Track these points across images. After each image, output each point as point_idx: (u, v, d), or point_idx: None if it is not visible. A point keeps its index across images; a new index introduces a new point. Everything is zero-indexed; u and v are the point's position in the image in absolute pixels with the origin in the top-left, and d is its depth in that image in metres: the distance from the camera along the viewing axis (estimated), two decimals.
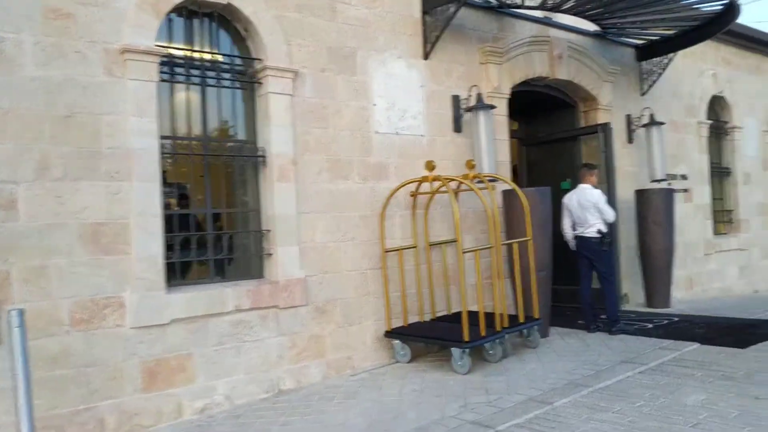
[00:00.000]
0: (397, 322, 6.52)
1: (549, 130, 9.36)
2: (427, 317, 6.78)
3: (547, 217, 6.89)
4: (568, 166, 9.12)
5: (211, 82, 5.76)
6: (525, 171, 9.63)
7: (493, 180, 6.86)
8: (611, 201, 8.41)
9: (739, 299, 9.68)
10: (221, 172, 5.87)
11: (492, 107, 7.04)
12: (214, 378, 5.36)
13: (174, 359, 5.18)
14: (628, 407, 4.52)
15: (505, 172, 7.70)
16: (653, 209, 8.58)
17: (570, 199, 7.26)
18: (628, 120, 9.38)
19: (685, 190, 10.30)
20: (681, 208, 10.15)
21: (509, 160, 7.81)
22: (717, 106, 11.43)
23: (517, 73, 7.85)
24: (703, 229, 10.56)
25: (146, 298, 5.02)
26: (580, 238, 7.16)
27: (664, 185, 9.31)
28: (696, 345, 6.15)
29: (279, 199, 5.82)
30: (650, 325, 7.21)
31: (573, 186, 8.82)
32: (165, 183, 5.35)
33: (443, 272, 6.94)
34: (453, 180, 6.29)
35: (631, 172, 9.40)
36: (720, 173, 11.43)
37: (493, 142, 7.02)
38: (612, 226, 8.27)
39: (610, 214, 7.04)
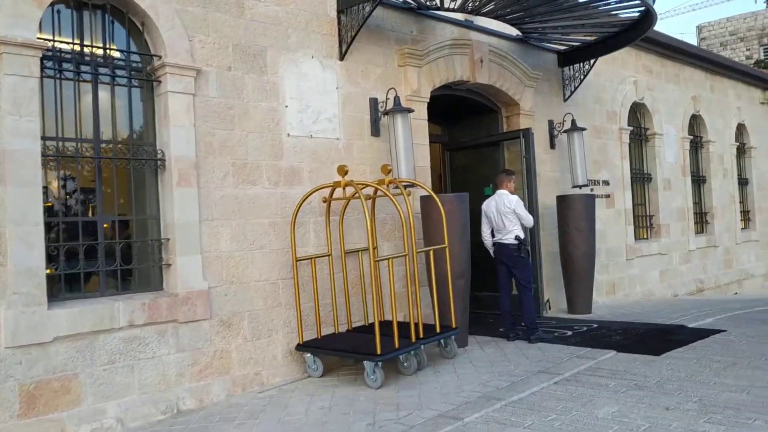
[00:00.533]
0: (310, 334, 6.22)
1: (473, 135, 9.25)
2: (343, 328, 6.50)
3: (465, 224, 6.72)
4: (492, 171, 8.99)
5: (104, 79, 5.35)
6: (449, 176, 9.48)
7: (410, 186, 6.65)
8: (532, 207, 8.36)
9: (659, 303, 9.78)
10: (116, 177, 5.44)
11: (410, 110, 6.84)
12: (103, 400, 4.94)
13: (57, 380, 4.74)
14: (540, 422, 4.35)
15: (425, 177, 7.52)
16: (574, 215, 8.55)
17: (488, 206, 7.13)
18: (551, 125, 9.37)
19: (607, 196, 10.38)
20: (603, 214, 10.21)
21: (429, 165, 7.63)
22: (638, 112, 11.61)
23: (438, 77, 7.68)
24: (625, 234, 10.66)
25: (24, 315, 4.57)
26: (498, 245, 7.03)
27: (585, 191, 9.33)
28: (612, 353, 6.08)
29: (179, 205, 5.44)
30: (570, 333, 7.14)
31: (494, 192, 8.75)
32: (49, 188, 4.92)
33: (360, 281, 6.67)
34: (366, 185, 6.04)
35: (553, 177, 9.37)
36: (641, 179, 11.59)
37: (411, 146, 6.81)
38: (532, 232, 8.23)
39: (528, 220, 6.94)
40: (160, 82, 5.49)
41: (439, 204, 6.25)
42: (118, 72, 5.41)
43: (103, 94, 5.38)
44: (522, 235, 6.92)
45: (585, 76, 9.43)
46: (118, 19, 5.47)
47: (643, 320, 7.84)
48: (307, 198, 6.09)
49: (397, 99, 6.79)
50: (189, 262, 5.47)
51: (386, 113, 6.86)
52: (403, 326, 5.85)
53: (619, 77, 10.86)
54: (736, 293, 13.49)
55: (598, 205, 10.04)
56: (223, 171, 5.77)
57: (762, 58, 33.88)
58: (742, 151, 14.81)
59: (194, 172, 5.54)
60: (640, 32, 8.43)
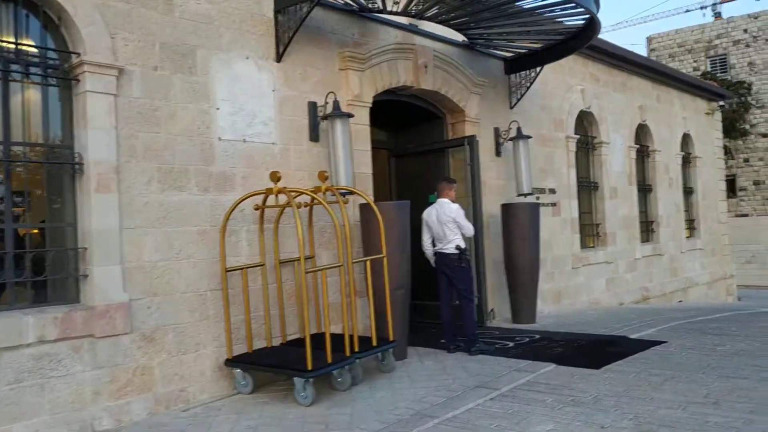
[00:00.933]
0: (241, 349, 5.93)
1: (419, 142, 9.08)
2: (278, 341, 6.23)
3: (405, 233, 6.53)
4: (437, 178, 8.82)
5: (16, 76, 4.99)
6: (395, 183, 9.30)
7: (348, 193, 6.43)
8: (477, 215, 8.23)
9: (603, 313, 9.77)
10: (29, 182, 5.09)
11: (349, 115, 6.62)
12: (9, 421, 4.58)
13: None
14: None
15: (367, 184, 7.31)
16: (518, 224, 8.45)
17: (429, 215, 6.95)
18: (497, 133, 9.27)
19: (554, 204, 10.34)
20: (549, 222, 10.17)
21: (372, 171, 7.42)
22: (585, 121, 11.63)
23: (380, 81, 7.49)
24: (571, 242, 10.64)
25: None
26: (439, 255, 6.86)
27: (531, 199, 9.25)
28: (552, 366, 5.95)
29: (97, 212, 5.10)
30: (511, 344, 7.00)
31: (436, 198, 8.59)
32: None
33: (296, 292, 6.41)
34: (300, 193, 5.80)
35: (499, 185, 9.27)
36: (588, 187, 11.61)
37: (350, 152, 6.59)
38: (476, 241, 8.11)
39: (469, 229, 6.78)
40: (78, 81, 5.15)
41: (377, 212, 6.04)
42: (32, 69, 5.06)
43: (16, 93, 5.03)
44: (463, 245, 6.76)
45: (531, 84, 9.37)
46: (33, 12, 5.12)
47: (586, 331, 7.77)
48: (237, 205, 5.81)
49: (336, 103, 6.56)
50: (108, 273, 5.13)
51: (325, 118, 6.63)
52: (338, 340, 5.62)
53: (567, 85, 10.85)
54: (680, 301, 13.65)
55: (545, 214, 10.00)
56: (148, 176, 5.45)
57: (709, 69, 34.80)
58: (687, 160, 15.03)
59: (115, 177, 5.21)
60: (585, 40, 8.39)
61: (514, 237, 8.48)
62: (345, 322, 5.69)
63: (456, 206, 6.81)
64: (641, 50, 41.42)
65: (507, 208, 8.61)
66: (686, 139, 14.87)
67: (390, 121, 9.22)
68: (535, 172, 9.86)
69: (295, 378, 5.25)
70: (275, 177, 5.67)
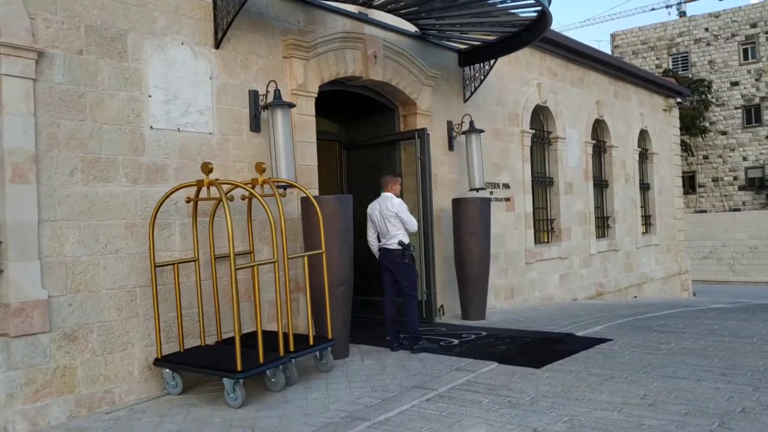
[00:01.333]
0: (173, 347, 5.69)
1: (372, 134, 8.88)
2: (212, 339, 5.99)
3: (347, 227, 6.33)
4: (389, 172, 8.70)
5: None
6: (346, 176, 9.09)
7: (287, 186, 6.21)
8: (426, 210, 8.08)
9: (555, 309, 9.72)
10: None
11: (291, 105, 6.39)
12: None
13: None
14: None
15: (312, 177, 7.10)
16: (469, 219, 8.32)
17: (373, 209, 6.76)
18: (449, 126, 9.12)
19: (507, 199, 10.24)
20: (503, 217, 10.08)
21: (317, 164, 7.21)
22: (541, 115, 11.56)
23: (327, 71, 7.26)
24: (525, 238, 10.57)
25: None
26: (383, 250, 6.68)
27: (484, 194, 9.14)
28: (494, 365, 5.83)
29: (12, 203, 4.80)
30: (456, 342, 6.87)
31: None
32: None
33: (233, 288, 6.16)
34: (235, 186, 5.56)
35: (452, 179, 9.14)
36: (544, 182, 11.55)
37: (291, 143, 6.36)
38: (425, 236, 7.97)
39: (412, 225, 6.60)
40: None
41: (317, 207, 5.83)
42: None
43: None
44: (406, 240, 6.59)
45: (485, 77, 9.23)
46: None
47: (533, 327, 7.68)
48: (167, 197, 5.54)
49: (277, 92, 6.33)
50: (24, 268, 4.84)
51: (265, 107, 6.39)
52: (274, 338, 5.41)
53: (523, 79, 10.75)
54: (635, 297, 13.72)
55: (498, 209, 9.91)
56: (71, 166, 5.16)
57: (671, 67, 35.26)
58: (644, 156, 15.11)
59: (33, 167, 4.92)
60: (537, 33, 8.26)
61: (464, 232, 8.35)
62: (279, 320, 5.48)
63: (399, 201, 6.64)
64: (606, 47, 41.83)
65: (458, 203, 8.48)
66: (643, 135, 14.95)
67: (341, 112, 9.03)
68: (488, 166, 9.75)
69: (224, 379, 5.03)
70: (206, 169, 5.42)
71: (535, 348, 6.49)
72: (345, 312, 6.31)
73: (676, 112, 16.69)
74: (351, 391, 5.27)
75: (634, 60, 35.48)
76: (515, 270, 10.32)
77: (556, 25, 11.35)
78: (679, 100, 16.51)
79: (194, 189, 5.68)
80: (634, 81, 14.44)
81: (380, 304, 8.08)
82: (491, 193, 9.83)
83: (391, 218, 6.53)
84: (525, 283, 10.54)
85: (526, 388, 5.10)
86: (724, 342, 6.53)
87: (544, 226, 11.54)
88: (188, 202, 5.72)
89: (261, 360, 5.12)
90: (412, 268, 6.62)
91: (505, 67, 10.27)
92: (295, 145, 6.93)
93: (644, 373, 5.38)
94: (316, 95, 7.16)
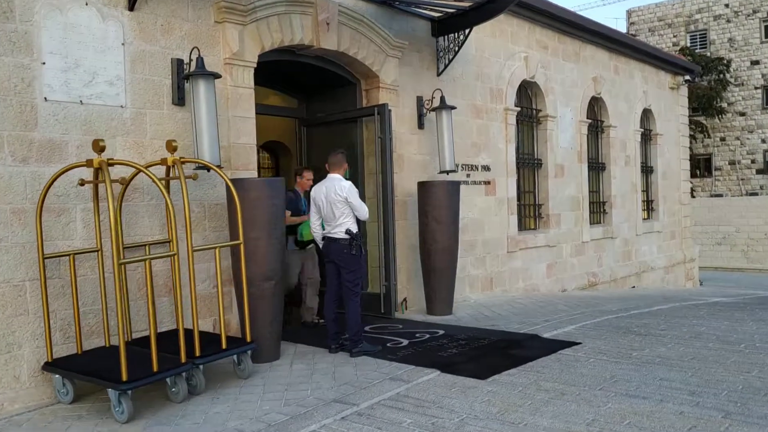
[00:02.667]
0: (72, 348, 5.03)
1: (333, 110, 8.09)
2: (118, 340, 5.32)
3: (278, 214, 5.61)
4: (350, 151, 7.96)
5: None
6: (305, 156, 8.35)
7: (201, 168, 5.49)
8: (386, 194, 7.35)
9: (536, 302, 8.95)
10: None
11: (216, 75, 5.64)
12: None
13: None
14: None
15: (248, 157, 6.38)
16: (434, 204, 7.56)
17: (317, 192, 6.02)
18: (419, 102, 8.32)
19: (487, 182, 9.45)
20: (482, 202, 9.30)
21: (255, 142, 6.47)
22: (530, 92, 10.70)
23: (268, 38, 6.49)
24: (507, 224, 9.78)
25: None
26: (327, 239, 5.95)
27: (460, 177, 8.37)
28: (435, 373, 5.11)
29: None
30: (405, 342, 6.15)
31: (353, 175, 7.71)
32: None
33: (147, 282, 5.48)
34: (133, 166, 4.84)
35: (421, 161, 8.36)
36: (531, 164, 10.72)
37: (215, 119, 5.62)
38: (384, 223, 7.27)
39: (362, 212, 5.86)
40: None
41: (233, 191, 5.11)
42: None
43: None
44: (354, 229, 5.85)
45: (460, 48, 8.40)
46: None
47: (499, 326, 6.94)
48: (56, 179, 4.84)
49: (199, 61, 5.58)
50: None
51: (186, 78, 5.65)
52: (189, 338, 4.72)
53: (508, 52, 9.89)
54: (633, 287, 12.90)
55: (476, 193, 9.14)
56: None
57: (688, 45, 33.86)
58: (647, 137, 14.17)
59: None
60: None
61: (429, 219, 7.59)
62: (179, 319, 4.79)
63: (348, 184, 5.88)
64: (623, 25, 40.40)
65: (423, 187, 7.71)
66: (647, 114, 14.00)
67: (301, 86, 8.26)
68: (466, 146, 8.98)
69: (109, 390, 4.36)
70: (97, 147, 4.70)
71: (489, 353, 5.74)
72: (274, 310, 5.60)
73: (684, 91, 15.66)
74: (261, 404, 4.58)
75: (651, 38, 34.13)
76: (495, 259, 9.55)
77: (570, 3, 10.43)
78: (688, 77, 15.46)
79: (92, 170, 4.98)
80: (638, 56, 13.46)
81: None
82: (468, 176, 9.06)
83: (339, 203, 5.79)
84: (506, 273, 9.77)
85: (459, 405, 4.37)
86: (707, 349, 5.74)
87: (530, 212, 10.74)
88: (81, 185, 5.01)
89: (155, 368, 4.44)
90: (359, 261, 5.87)
91: (487, 38, 9.43)
92: (229, 121, 6.22)
93: (601, 389, 4.62)
94: (255, 65, 6.40)
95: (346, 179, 6.23)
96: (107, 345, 5.19)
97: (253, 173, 6.38)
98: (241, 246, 5.12)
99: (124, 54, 5.49)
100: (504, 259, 9.74)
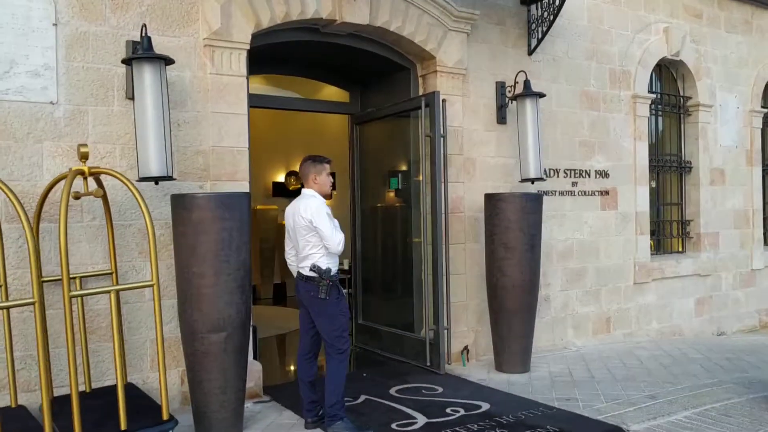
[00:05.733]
0: None
1: (386, 103, 6.47)
2: (27, 398, 4.19)
3: (238, 242, 4.11)
4: (400, 154, 6.32)
5: None
6: (358, 161, 6.82)
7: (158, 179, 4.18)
8: (436, 209, 5.65)
9: (662, 354, 6.61)
10: None
11: (167, 60, 4.31)
12: None
13: None
14: None
15: (237, 164, 5.00)
16: (503, 225, 5.66)
17: (287, 215, 4.43)
18: (500, 90, 6.43)
19: (605, 192, 7.26)
20: (595, 218, 7.16)
21: (247, 146, 5.06)
22: (673, 73, 8.25)
23: (266, 12, 5.05)
24: (635, 246, 7.48)
25: None
26: (298, 276, 4.36)
27: (562, 185, 6.42)
28: None
29: None
30: (421, 422, 4.38)
31: (405, 186, 6.15)
32: None
33: (82, 324, 4.30)
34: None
35: (500, 166, 6.47)
36: (674, 169, 8.27)
37: (166, 116, 4.28)
38: (433, 247, 5.55)
39: (333, 242, 4.13)
40: None
41: (143, 208, 3.72)
42: None
43: None
44: (325, 264, 4.16)
45: (555, 17, 6.36)
46: None
47: (576, 400, 4.90)
48: None
49: (146, 40, 4.27)
50: None
51: (127, 62, 4.38)
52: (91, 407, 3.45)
53: (639, 23, 7.58)
54: None
55: (588, 206, 7.07)
56: None
57: None
58: None
59: None
60: None
61: (497, 244, 5.71)
62: (72, 380, 3.49)
63: (318, 203, 4.21)
64: None
65: (489, 201, 5.84)
66: None
67: (350, 75, 6.76)
68: (571, 146, 6.96)
69: None
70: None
71: None
72: (227, 373, 4.14)
73: None
74: None
75: None
76: (614, 293, 7.32)
77: None
78: None
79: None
80: None
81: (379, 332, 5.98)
82: (574, 184, 6.98)
83: (303, 229, 4.19)
84: (632, 311, 7.49)
85: None
86: None
87: (671, 230, 8.28)
88: None
89: None
90: (336, 307, 4.21)
91: (607, 5, 7.26)
92: (208, 118, 4.88)
93: None
94: (247, 47, 5.00)
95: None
96: (13, 405, 4.07)
97: (243, 185, 4.98)
98: (155, 288, 3.72)
99: (57, 37, 4.35)
100: (629, 293, 7.46)
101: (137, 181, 4.31)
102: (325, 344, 4.24)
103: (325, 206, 4.22)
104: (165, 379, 3.75)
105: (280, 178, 11.66)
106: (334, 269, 4.22)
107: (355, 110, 6.84)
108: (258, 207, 10.41)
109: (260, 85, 6.34)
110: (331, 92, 7.16)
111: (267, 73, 6.37)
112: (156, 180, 4.31)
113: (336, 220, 4.30)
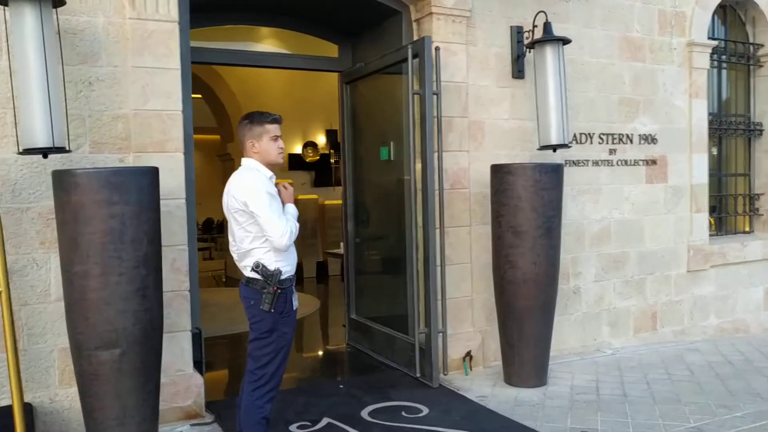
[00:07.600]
0: None
1: (376, 55, 5.37)
2: None
3: (135, 236, 3.16)
4: (392, 115, 5.21)
5: None
6: (349, 125, 5.76)
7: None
8: (426, 184, 4.55)
9: (720, 361, 5.36)
10: None
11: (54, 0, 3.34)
12: None
13: None
14: None
15: (166, 132, 4.01)
16: (512, 204, 4.51)
17: (224, 195, 3.40)
18: (517, 36, 5.23)
19: (652, 162, 5.99)
20: (639, 193, 5.92)
21: (180, 108, 4.06)
22: (741, 16, 6.82)
23: None
24: (690, 227, 6.21)
25: None
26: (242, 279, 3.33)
27: (597, 152, 5.25)
28: None
29: None
30: None
31: (398, 155, 5.12)
32: None
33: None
34: None
35: (515, 130, 5.29)
36: (741, 133, 6.87)
37: (58, 71, 3.34)
38: (425, 233, 4.53)
39: (275, 233, 3.05)
40: None
41: None
42: None
43: None
44: (273, 266, 3.10)
45: None
46: None
47: (606, 430, 3.78)
48: None
49: None
50: None
51: (3, 1, 3.42)
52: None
53: None
54: None
55: (629, 178, 5.88)
56: None
57: None
58: None
59: None
60: None
61: (505, 227, 4.57)
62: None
63: (252, 178, 3.15)
64: None
65: (496, 174, 4.68)
66: None
67: (337, 25, 5.67)
68: (609, 105, 5.72)
69: None
70: None
71: None
72: (126, 398, 3.21)
73: None
74: None
75: None
76: (663, 282, 6.08)
77: None
78: None
79: None
80: None
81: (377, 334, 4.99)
82: (613, 152, 5.75)
83: (240, 216, 3.14)
84: (685, 305, 6.23)
85: None
86: None
87: (736, 207, 6.91)
88: None
89: None
90: (276, 327, 3.16)
91: None
92: (129, 73, 3.91)
93: None
94: None
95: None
96: None
97: (176, 158, 4.01)
98: (3, 295, 2.80)
99: None
100: (681, 283, 6.20)
101: (19, 153, 3.40)
102: (247, 365, 3.23)
103: (267, 182, 3.13)
104: (21, 409, 2.84)
105: (297, 149, 10.72)
106: (286, 271, 3.15)
107: (345, 66, 5.75)
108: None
109: (227, 41, 5.36)
110: (324, 47, 6.08)
111: (236, 23, 5.36)
112: (44, 153, 3.38)
113: (291, 204, 3.26)
